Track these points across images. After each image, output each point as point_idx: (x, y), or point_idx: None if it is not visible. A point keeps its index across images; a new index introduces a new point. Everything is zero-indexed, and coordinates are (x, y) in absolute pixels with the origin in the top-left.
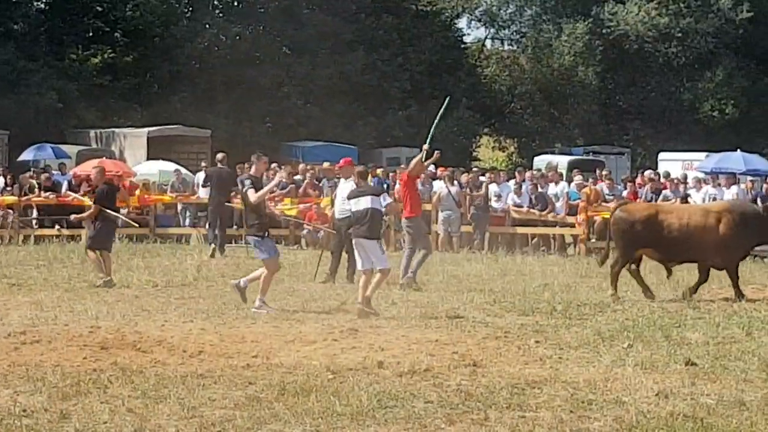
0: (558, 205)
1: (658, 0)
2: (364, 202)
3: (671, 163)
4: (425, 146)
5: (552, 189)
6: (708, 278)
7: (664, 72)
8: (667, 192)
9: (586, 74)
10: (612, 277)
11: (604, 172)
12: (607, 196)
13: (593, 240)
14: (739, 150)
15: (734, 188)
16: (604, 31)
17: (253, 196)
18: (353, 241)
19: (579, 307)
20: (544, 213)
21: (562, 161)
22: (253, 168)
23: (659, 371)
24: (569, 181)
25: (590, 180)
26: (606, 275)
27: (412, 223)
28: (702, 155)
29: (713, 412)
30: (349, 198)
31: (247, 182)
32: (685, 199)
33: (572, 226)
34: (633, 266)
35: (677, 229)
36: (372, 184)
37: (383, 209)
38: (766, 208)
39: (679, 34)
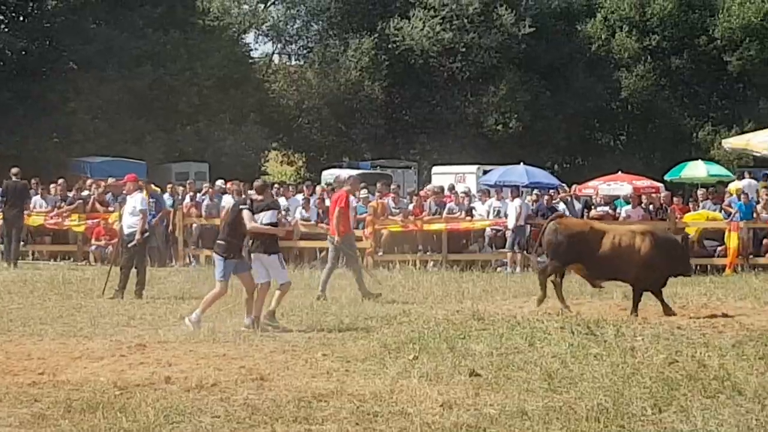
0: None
1: (442, 16)
2: (266, 217)
3: (444, 176)
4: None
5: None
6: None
7: (449, 86)
8: (451, 204)
9: (373, 89)
10: (540, 285)
11: (391, 186)
12: (393, 210)
13: (381, 253)
14: (522, 163)
15: (517, 201)
16: (389, 46)
17: (248, 219)
18: (251, 256)
19: (366, 320)
20: None
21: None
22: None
23: (444, 382)
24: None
25: (376, 194)
26: (393, 288)
27: (346, 240)
28: (473, 168)
29: (496, 422)
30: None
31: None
32: (469, 212)
33: (360, 239)
34: (558, 279)
35: (608, 247)
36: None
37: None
38: (684, 240)
39: (463, 49)
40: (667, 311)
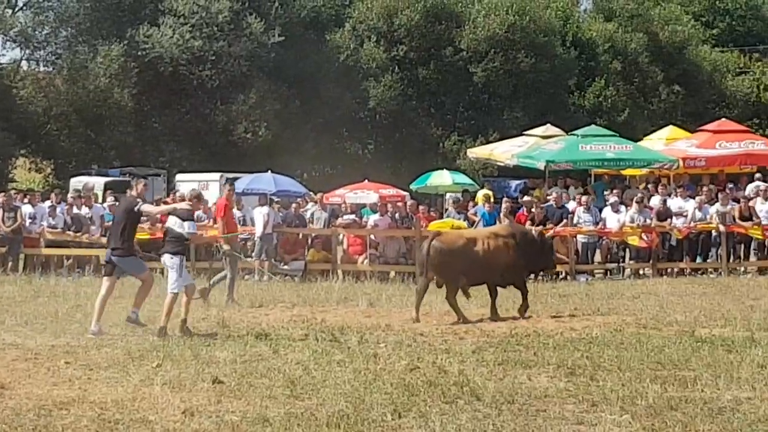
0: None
1: (191, 24)
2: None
3: (187, 183)
4: None
5: (87, 210)
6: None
7: (199, 94)
8: (199, 213)
9: (122, 96)
10: (453, 309)
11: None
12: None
13: None
14: (270, 171)
15: (265, 208)
16: (139, 53)
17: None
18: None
19: (111, 328)
20: (79, 234)
21: (98, 182)
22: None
23: (187, 389)
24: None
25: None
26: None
27: (232, 246)
28: (217, 175)
29: (237, 429)
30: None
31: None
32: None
33: (106, 247)
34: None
35: (482, 254)
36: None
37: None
38: (541, 236)
39: (213, 57)
40: (495, 314)
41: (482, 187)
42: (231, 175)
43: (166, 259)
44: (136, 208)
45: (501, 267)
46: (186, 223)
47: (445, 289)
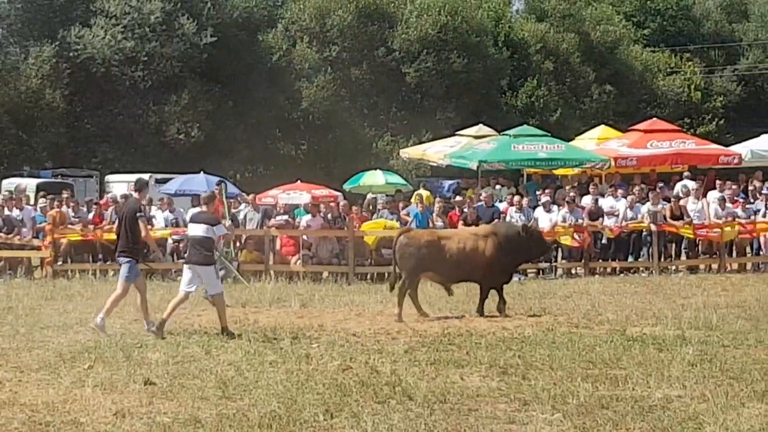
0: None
1: (123, 24)
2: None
3: (119, 184)
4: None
5: (18, 212)
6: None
7: (131, 95)
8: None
9: (54, 97)
10: (399, 298)
11: (65, 195)
12: (72, 219)
13: (60, 263)
14: (203, 172)
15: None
16: (71, 54)
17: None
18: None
19: (42, 330)
20: (10, 236)
21: (30, 184)
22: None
23: (119, 391)
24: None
25: (56, 203)
26: (71, 297)
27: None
28: (146, 176)
29: (169, 430)
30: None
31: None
32: (150, 220)
33: (39, 248)
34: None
35: (455, 253)
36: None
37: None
38: (525, 228)
39: (145, 58)
40: (502, 308)
41: (419, 188)
42: (160, 176)
43: (199, 270)
44: (138, 215)
45: (480, 266)
46: (215, 228)
47: (402, 285)
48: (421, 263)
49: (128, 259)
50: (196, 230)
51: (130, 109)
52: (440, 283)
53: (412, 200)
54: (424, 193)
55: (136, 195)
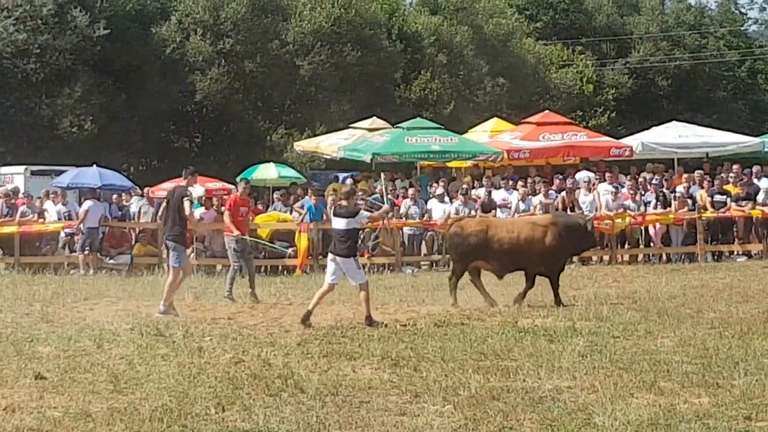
0: None
1: (15, 17)
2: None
3: (15, 176)
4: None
5: None
6: (534, 284)
7: (23, 88)
8: (23, 208)
9: None
10: (451, 287)
11: None
12: None
13: None
14: (95, 165)
15: (89, 202)
16: None
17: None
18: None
19: None
20: None
21: None
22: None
23: (8, 386)
24: None
25: None
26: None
27: (241, 242)
28: (21, 168)
29: (59, 425)
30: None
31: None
32: (41, 214)
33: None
34: (477, 278)
35: (507, 242)
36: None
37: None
38: (585, 220)
39: (38, 51)
40: (558, 300)
41: (309, 180)
42: (36, 168)
43: (342, 262)
44: (185, 198)
45: (536, 256)
46: (355, 219)
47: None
48: (468, 252)
49: (176, 245)
50: (339, 224)
51: (23, 102)
52: (492, 272)
53: (326, 194)
54: (332, 186)
55: (183, 183)
